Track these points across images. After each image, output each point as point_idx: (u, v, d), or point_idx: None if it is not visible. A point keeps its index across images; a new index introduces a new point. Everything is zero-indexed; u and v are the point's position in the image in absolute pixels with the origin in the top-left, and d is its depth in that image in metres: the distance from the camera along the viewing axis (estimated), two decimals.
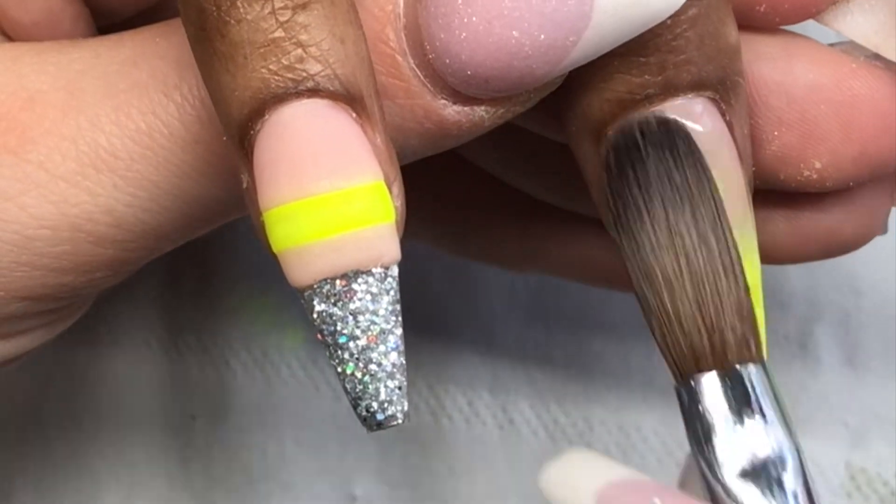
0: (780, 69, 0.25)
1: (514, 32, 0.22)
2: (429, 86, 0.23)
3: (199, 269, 0.37)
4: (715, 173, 0.24)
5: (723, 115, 0.24)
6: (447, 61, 0.23)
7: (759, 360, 0.24)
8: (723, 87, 0.24)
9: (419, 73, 0.23)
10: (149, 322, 0.37)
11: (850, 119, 0.25)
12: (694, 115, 0.24)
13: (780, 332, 0.35)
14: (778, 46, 0.25)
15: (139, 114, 0.24)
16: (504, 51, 0.22)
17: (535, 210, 0.31)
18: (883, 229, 0.28)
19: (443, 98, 0.23)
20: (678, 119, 0.24)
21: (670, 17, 0.23)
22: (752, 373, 0.23)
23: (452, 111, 0.23)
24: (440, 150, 0.24)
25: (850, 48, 0.25)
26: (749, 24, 0.25)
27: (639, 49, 0.23)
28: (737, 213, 0.24)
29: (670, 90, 0.24)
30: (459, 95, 0.23)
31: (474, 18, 0.22)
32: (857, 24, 0.25)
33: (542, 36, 0.22)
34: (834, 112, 0.25)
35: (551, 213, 0.30)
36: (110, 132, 0.24)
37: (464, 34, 0.22)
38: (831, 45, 0.26)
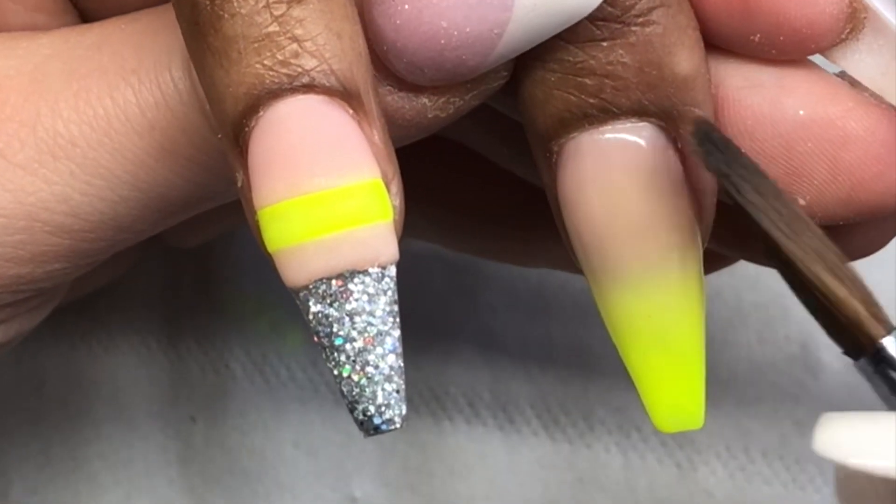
0: (769, 100, 0.24)
1: (442, 22, 0.22)
2: (374, 71, 0.23)
3: (198, 271, 0.37)
4: (650, 199, 0.24)
5: (672, 141, 0.24)
6: (385, 48, 0.23)
7: None
8: (668, 116, 0.24)
9: None
10: (148, 324, 0.37)
11: (837, 159, 0.24)
12: (634, 138, 0.24)
13: (780, 332, 0.35)
14: (772, 75, 0.25)
15: (97, 99, 0.24)
16: (434, 40, 0.22)
17: (539, 205, 0.31)
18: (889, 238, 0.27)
19: (387, 84, 0.23)
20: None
21: (606, 41, 0.23)
22: None
23: (396, 98, 0.23)
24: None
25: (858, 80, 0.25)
26: (747, 53, 0.25)
27: (576, 69, 0.23)
28: (674, 245, 0.24)
29: (609, 113, 0.24)
30: (403, 83, 0.23)
31: (407, 6, 0.22)
32: (864, 65, 0.25)
33: (468, 28, 0.22)
34: (821, 151, 0.24)
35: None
36: (68, 118, 0.24)
37: (398, 21, 0.22)
38: (839, 73, 0.25)
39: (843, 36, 0.25)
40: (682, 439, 0.35)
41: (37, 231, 0.24)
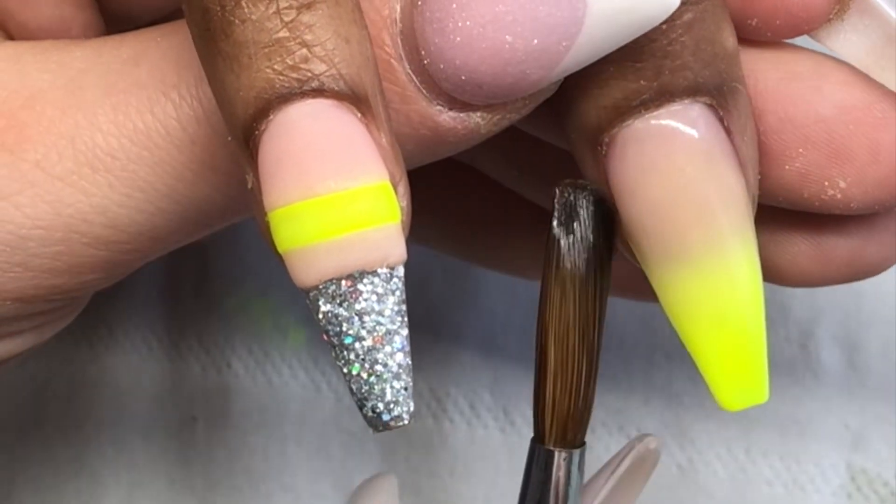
0: (809, 87, 0.25)
1: (507, 37, 0.22)
2: (424, 91, 0.23)
3: (200, 270, 0.37)
4: (709, 179, 0.24)
5: (721, 121, 0.24)
6: (441, 66, 0.23)
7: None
8: (720, 93, 0.24)
9: (415, 79, 0.23)
10: (150, 323, 0.37)
11: (877, 140, 0.25)
12: (689, 120, 0.24)
13: (780, 333, 0.35)
14: (808, 65, 0.25)
15: (137, 113, 0.24)
16: (497, 56, 0.22)
17: (543, 217, 0.31)
18: None
19: (438, 104, 0.23)
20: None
21: (665, 23, 0.23)
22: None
23: (448, 117, 0.23)
24: (438, 157, 0.24)
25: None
26: (740, 36, 0.25)
27: (634, 54, 0.23)
28: (734, 222, 0.24)
29: (666, 96, 0.23)
30: (455, 101, 0.23)
31: (468, 23, 0.22)
32: (850, 44, 0.25)
33: (536, 41, 0.22)
34: (862, 133, 0.25)
35: None
36: (108, 131, 0.24)
37: (458, 38, 0.22)
38: None
39: (831, 16, 0.25)
40: (683, 440, 0.35)
41: (74, 243, 0.25)
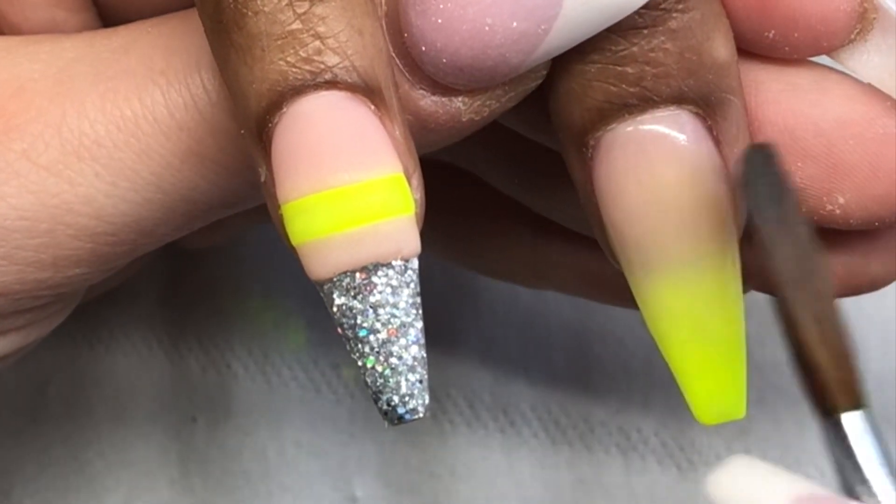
0: (809, 101, 0.25)
1: (487, 19, 0.22)
2: (407, 75, 0.23)
3: (200, 270, 0.37)
4: (692, 188, 0.24)
5: (709, 130, 0.24)
6: (423, 49, 0.23)
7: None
8: (706, 103, 0.24)
9: (398, 62, 0.23)
10: (150, 323, 0.37)
11: (878, 156, 0.25)
12: (673, 126, 0.24)
13: (780, 332, 0.35)
14: (810, 78, 0.25)
15: (125, 100, 0.24)
16: (477, 38, 0.22)
17: (547, 228, 0.31)
18: None
19: (421, 88, 0.23)
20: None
21: (647, 28, 0.23)
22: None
23: (430, 101, 0.23)
24: (421, 150, 0.24)
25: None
26: (758, 51, 0.25)
27: (617, 59, 0.23)
28: (715, 234, 0.24)
29: (649, 101, 0.23)
30: (437, 86, 0.23)
31: (449, 5, 0.22)
32: (872, 65, 0.25)
33: (515, 23, 0.22)
34: (862, 148, 0.25)
35: (563, 231, 0.30)
36: (95, 119, 0.24)
37: (439, 20, 0.22)
38: None
39: (853, 36, 0.25)
40: (683, 440, 0.35)
41: (59, 234, 0.24)
